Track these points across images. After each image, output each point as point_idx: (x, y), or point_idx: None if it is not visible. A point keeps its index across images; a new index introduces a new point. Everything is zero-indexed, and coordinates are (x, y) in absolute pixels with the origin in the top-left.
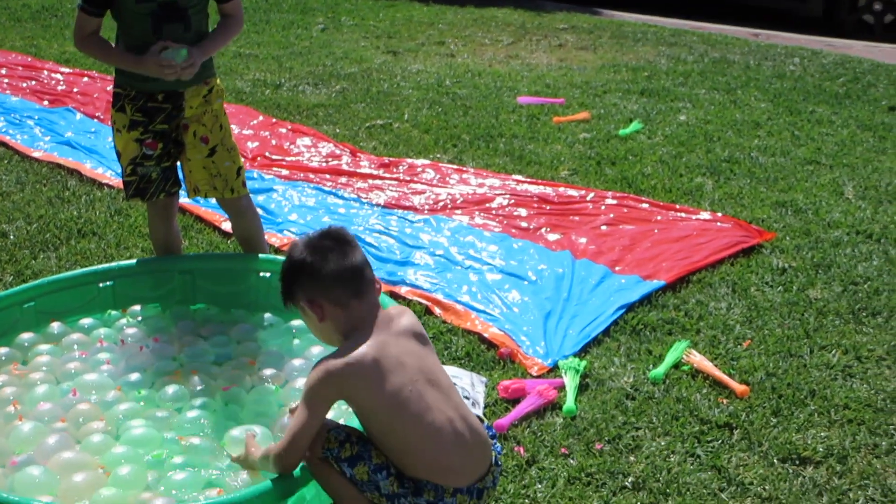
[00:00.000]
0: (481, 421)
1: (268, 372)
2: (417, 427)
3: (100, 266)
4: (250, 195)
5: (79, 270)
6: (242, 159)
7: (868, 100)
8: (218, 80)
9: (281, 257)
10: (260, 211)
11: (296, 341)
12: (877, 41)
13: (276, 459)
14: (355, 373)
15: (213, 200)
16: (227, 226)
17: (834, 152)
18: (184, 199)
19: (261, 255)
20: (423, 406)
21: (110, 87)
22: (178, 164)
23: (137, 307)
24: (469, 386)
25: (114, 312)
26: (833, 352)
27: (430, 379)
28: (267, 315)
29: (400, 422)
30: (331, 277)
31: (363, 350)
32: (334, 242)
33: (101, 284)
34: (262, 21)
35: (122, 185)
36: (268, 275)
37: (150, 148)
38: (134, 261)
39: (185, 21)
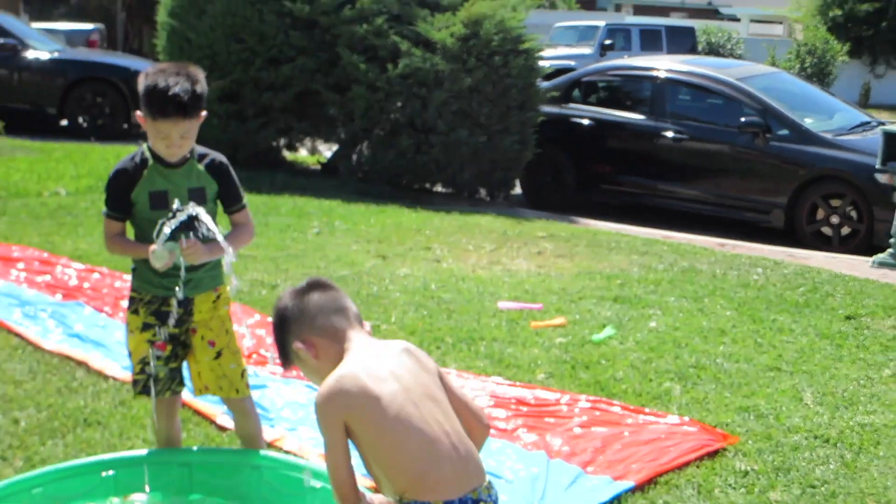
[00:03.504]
0: None
1: None
2: (412, 436)
3: (104, 456)
4: (252, 397)
5: (84, 460)
6: (245, 360)
7: (826, 309)
8: (227, 289)
9: (275, 453)
10: None
11: None
12: (835, 252)
13: (337, 499)
14: (350, 385)
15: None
16: (221, 420)
17: (794, 359)
18: (185, 395)
19: (259, 451)
20: (418, 416)
21: (118, 284)
22: (185, 363)
23: (138, 496)
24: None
25: (115, 500)
26: None
27: (427, 393)
28: None
29: (394, 431)
30: (315, 309)
31: (356, 363)
32: (316, 285)
33: (103, 474)
34: (260, 224)
35: (125, 380)
36: (260, 469)
37: (160, 349)
38: (135, 452)
39: (194, 230)
